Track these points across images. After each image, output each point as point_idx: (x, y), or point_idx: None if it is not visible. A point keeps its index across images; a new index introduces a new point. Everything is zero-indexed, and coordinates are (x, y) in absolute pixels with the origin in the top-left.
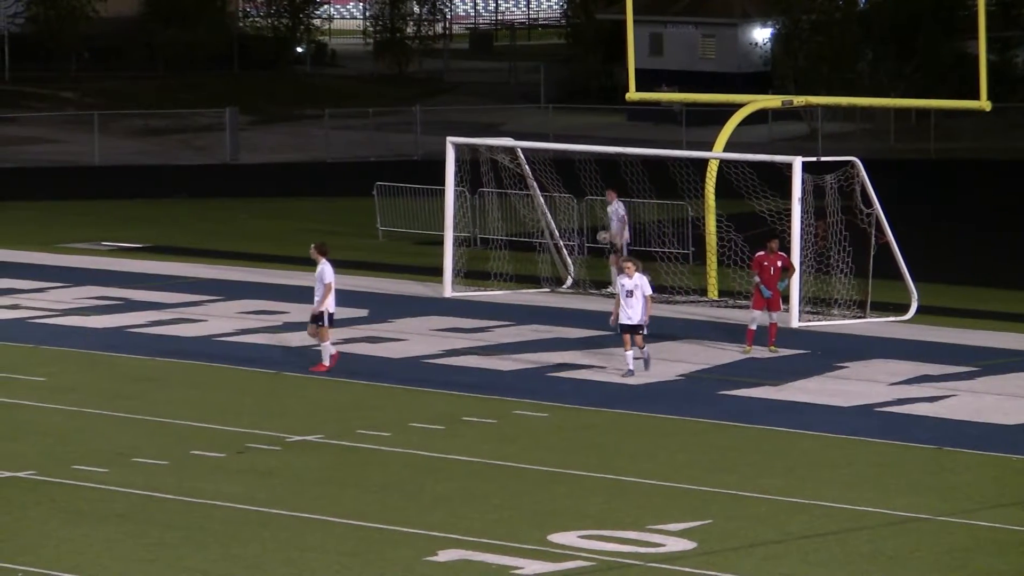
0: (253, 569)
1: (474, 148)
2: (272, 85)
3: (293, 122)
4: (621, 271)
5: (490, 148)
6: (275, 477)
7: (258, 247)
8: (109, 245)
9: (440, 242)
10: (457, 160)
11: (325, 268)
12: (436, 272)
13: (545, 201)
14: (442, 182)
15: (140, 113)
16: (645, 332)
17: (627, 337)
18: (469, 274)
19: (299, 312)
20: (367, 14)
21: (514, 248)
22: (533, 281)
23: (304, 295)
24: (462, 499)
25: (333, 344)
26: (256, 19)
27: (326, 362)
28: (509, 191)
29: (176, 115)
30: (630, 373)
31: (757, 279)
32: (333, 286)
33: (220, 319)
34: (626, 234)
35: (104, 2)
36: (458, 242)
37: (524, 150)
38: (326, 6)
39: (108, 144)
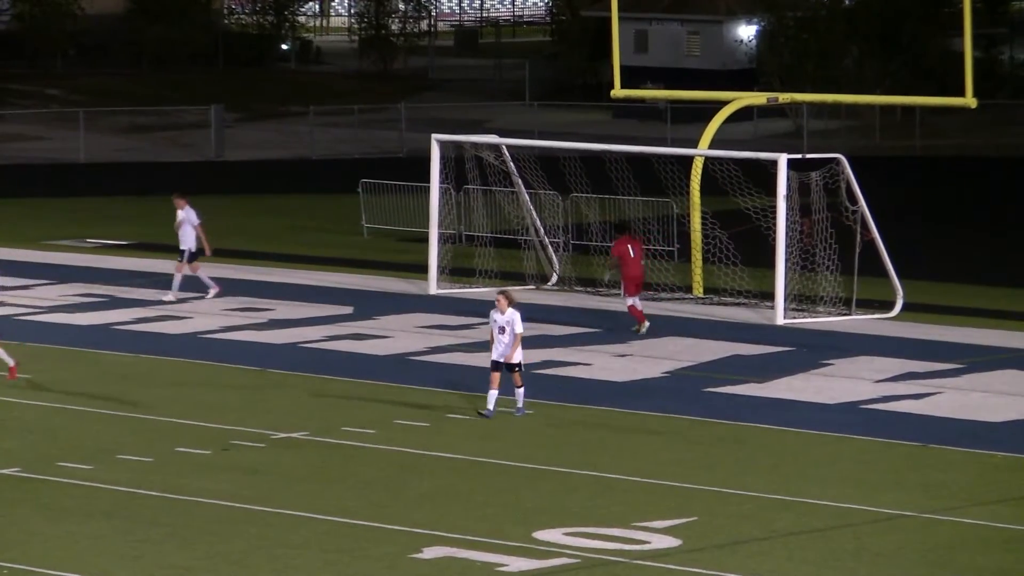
0: (238, 566)
1: (459, 145)
2: (257, 82)
3: (278, 119)
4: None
5: (475, 145)
6: (260, 474)
7: (243, 244)
8: (94, 242)
9: (425, 239)
10: (442, 157)
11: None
12: (421, 269)
13: (530, 198)
14: (427, 179)
15: (126, 110)
16: (521, 369)
17: (495, 375)
18: (454, 271)
19: (285, 309)
20: (352, 11)
21: (499, 245)
22: (518, 278)
23: (289, 292)
24: (447, 496)
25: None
26: (241, 16)
27: (11, 362)
28: (494, 188)
29: (161, 112)
30: (489, 414)
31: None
32: None
33: (205, 316)
34: (192, 242)
35: None
36: (443, 239)
37: (509, 147)
38: (311, 3)
39: (93, 141)
